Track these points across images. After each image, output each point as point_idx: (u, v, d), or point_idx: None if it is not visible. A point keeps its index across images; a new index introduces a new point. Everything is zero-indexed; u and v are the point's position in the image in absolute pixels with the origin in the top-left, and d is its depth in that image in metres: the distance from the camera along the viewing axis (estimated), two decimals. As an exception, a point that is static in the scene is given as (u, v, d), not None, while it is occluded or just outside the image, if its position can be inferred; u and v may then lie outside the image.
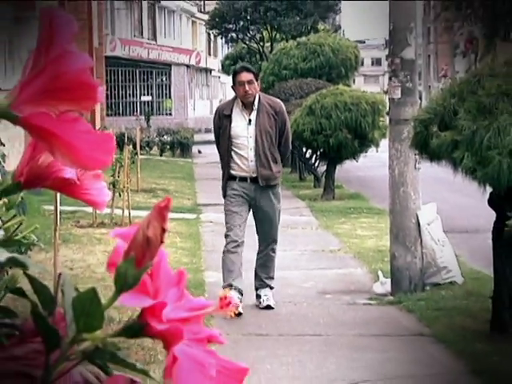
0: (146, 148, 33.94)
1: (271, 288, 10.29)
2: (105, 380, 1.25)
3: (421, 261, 11.72)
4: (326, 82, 26.32)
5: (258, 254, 10.55)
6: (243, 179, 10.26)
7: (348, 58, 30.31)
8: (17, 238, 1.47)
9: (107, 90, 47.56)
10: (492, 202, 9.45)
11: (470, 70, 20.61)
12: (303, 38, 32.06)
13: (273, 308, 10.10)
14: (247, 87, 9.89)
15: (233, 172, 10.28)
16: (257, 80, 10.14)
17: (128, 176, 17.52)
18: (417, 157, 10.61)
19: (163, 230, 1.19)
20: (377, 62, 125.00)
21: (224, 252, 10.25)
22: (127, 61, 54.99)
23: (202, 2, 70.64)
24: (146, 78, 58.91)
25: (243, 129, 10.13)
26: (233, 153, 10.19)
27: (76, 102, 1.21)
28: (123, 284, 1.19)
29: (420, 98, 12.53)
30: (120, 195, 16.59)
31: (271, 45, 38.30)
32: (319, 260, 13.14)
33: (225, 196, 10.43)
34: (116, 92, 53.86)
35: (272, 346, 9.00)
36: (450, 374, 8.38)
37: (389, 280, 11.82)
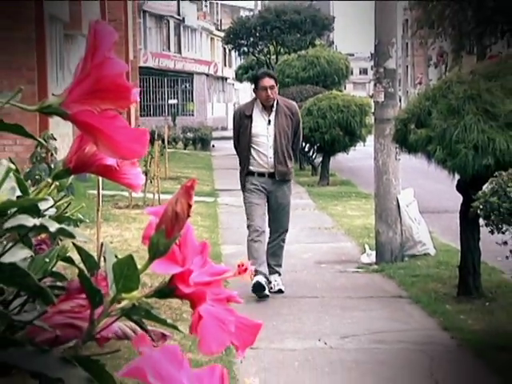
0: (173, 143, 33.81)
1: (279, 274, 9.73)
2: (140, 333, 1.25)
3: (400, 236, 11.72)
4: (322, 88, 26.26)
5: (268, 243, 9.77)
6: (261, 174, 9.57)
7: (340, 68, 30.29)
8: (66, 215, 1.46)
9: (140, 94, 47.17)
10: (459, 188, 9.44)
11: (441, 78, 20.62)
12: (303, 52, 31.98)
13: (283, 292, 9.50)
14: (269, 92, 9.32)
15: (252, 168, 9.55)
16: (276, 85, 9.55)
17: (158, 166, 17.56)
18: (397, 150, 10.58)
19: (189, 206, 1.18)
20: (364, 71, 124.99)
21: (248, 241, 9.63)
22: (157, 70, 54.94)
23: (219, 21, 70.51)
24: (172, 84, 58.85)
25: (263, 128, 9.48)
26: (252, 150, 9.50)
27: (114, 102, 1.21)
28: (155, 252, 1.19)
29: (399, 101, 12.50)
30: (151, 182, 16.63)
31: (276, 57, 38.20)
32: (316, 236, 13.13)
33: (244, 189, 9.77)
34: (148, 96, 53.76)
35: (277, 306, 9.02)
36: (424, 330, 8.38)
37: (374, 252, 11.83)
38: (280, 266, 9.77)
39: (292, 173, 9.87)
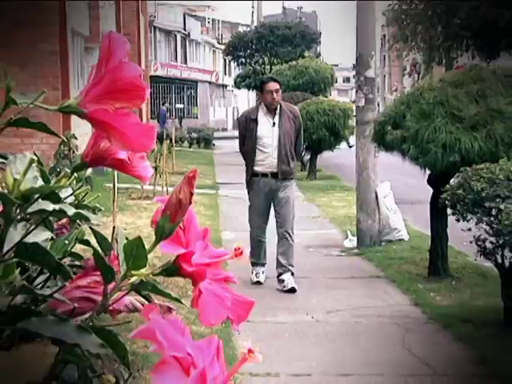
0: (179, 142, 33.71)
1: (292, 274, 9.00)
2: (149, 304, 1.25)
3: (378, 224, 11.73)
4: (310, 94, 26.19)
5: (278, 242, 9.16)
6: (265, 175, 8.97)
7: (326, 77, 30.28)
8: (84, 203, 1.46)
9: (151, 100, 47.34)
10: (430, 181, 9.44)
11: (414, 85, 20.61)
12: (293, 62, 31.97)
13: (296, 290, 8.82)
14: (274, 95, 8.83)
15: (256, 168, 8.98)
16: (280, 89, 9.05)
17: (166, 162, 17.58)
18: (376, 148, 10.58)
19: (191, 194, 1.18)
20: (347, 79, 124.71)
21: (251, 236, 9.15)
22: (165, 79, 54.90)
23: (220, 36, 70.42)
24: (179, 91, 58.82)
25: (268, 130, 8.93)
26: (258, 151, 8.95)
27: (129, 101, 1.21)
28: (161, 234, 1.19)
29: (378, 106, 12.49)
30: (160, 176, 16.64)
31: (270, 67, 38.13)
32: (305, 223, 13.11)
33: (249, 191, 9.27)
34: (157, 101, 53.60)
35: (270, 285, 9.00)
36: (399, 306, 8.39)
37: (355, 238, 11.83)
38: (292, 265, 9.04)
39: (294, 172, 9.37)
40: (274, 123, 8.96)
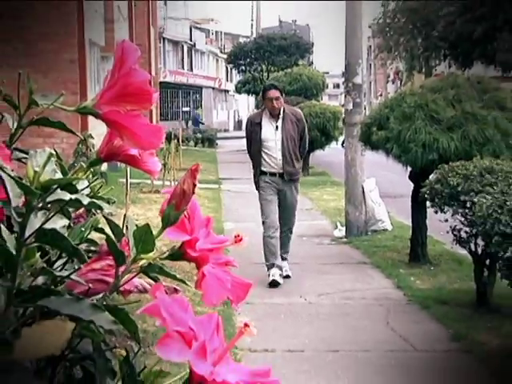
0: (186, 141, 33.67)
1: (287, 260, 8.83)
2: (155, 285, 1.25)
3: (365, 215, 11.73)
4: (304, 98, 26.11)
5: (279, 234, 8.68)
6: (273, 174, 8.52)
7: (318, 83, 30.14)
8: (99, 195, 1.46)
9: (160, 103, 47.24)
10: (411, 177, 9.45)
11: (397, 91, 20.61)
12: (288, 70, 31.81)
13: (290, 277, 8.68)
14: (274, 102, 8.38)
15: (264, 168, 8.54)
16: (282, 95, 8.53)
17: (174, 160, 17.58)
18: (362, 147, 10.58)
19: (194, 185, 1.19)
20: (337, 85, 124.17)
21: (264, 237, 8.54)
22: (173, 84, 54.74)
23: (223, 46, 70.29)
24: (185, 95, 58.67)
25: (271, 133, 8.47)
26: (263, 153, 8.51)
27: (138, 103, 1.21)
28: (167, 222, 1.19)
29: (364, 109, 12.48)
30: (168, 172, 16.66)
31: (268, 74, 38.04)
32: (298, 215, 12.95)
33: (258, 188, 8.72)
34: (166, 105, 53.47)
35: (266, 270, 9.00)
36: (382, 288, 8.41)
37: (344, 228, 11.84)
38: (287, 252, 8.91)
39: (300, 173, 8.89)
40: (276, 127, 8.53)
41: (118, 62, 1.21)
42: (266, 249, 8.53)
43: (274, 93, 8.44)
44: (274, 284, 8.29)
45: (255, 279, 7.87)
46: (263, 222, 8.62)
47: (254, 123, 8.66)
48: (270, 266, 8.47)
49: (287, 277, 8.65)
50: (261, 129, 8.53)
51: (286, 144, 8.47)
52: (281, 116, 8.53)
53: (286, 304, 7.71)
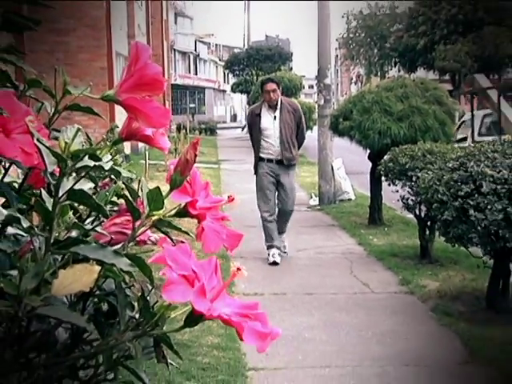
0: (192, 131, 33.46)
1: (283, 235, 7.85)
2: (162, 238, 1.23)
3: (333, 188, 11.74)
4: (285, 96, 26.04)
5: (278, 215, 7.78)
6: (270, 160, 7.60)
7: (296, 84, 29.96)
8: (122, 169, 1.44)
9: (172, 101, 46.97)
10: (369, 158, 9.43)
11: (358, 90, 20.71)
12: (273, 74, 31.71)
13: (286, 253, 7.81)
14: (271, 94, 7.52)
15: (262, 155, 7.65)
16: (279, 88, 7.69)
17: (183, 145, 17.51)
18: (331, 134, 10.56)
19: (195, 155, 1.17)
20: (311, 86, 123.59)
21: (262, 221, 7.67)
22: (182, 86, 54.45)
23: (221, 55, 69.84)
24: (191, 94, 58.32)
25: (270, 123, 7.60)
26: (262, 141, 7.62)
27: (151, 91, 1.19)
28: (174, 185, 1.17)
29: (333, 105, 12.45)
30: (178, 155, 16.58)
31: (256, 78, 37.60)
32: (281, 188, 13.11)
33: (256, 173, 7.75)
34: (176, 102, 52.98)
35: (255, 231, 8.85)
36: (347, 245, 8.42)
37: (317, 198, 11.85)
38: (284, 232, 7.90)
39: (296, 159, 7.95)
40: (274, 117, 7.66)
41: (134, 59, 1.19)
42: (265, 232, 7.70)
43: (271, 85, 7.65)
44: (274, 263, 7.48)
45: (247, 238, 7.85)
46: (259, 206, 7.71)
47: (254, 114, 7.85)
48: (270, 247, 7.66)
49: (284, 253, 7.80)
50: (260, 119, 7.72)
51: (283, 132, 7.62)
52: (278, 107, 7.68)
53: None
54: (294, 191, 7.81)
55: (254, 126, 7.82)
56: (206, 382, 4.18)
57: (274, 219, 7.69)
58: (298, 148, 7.88)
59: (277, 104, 7.68)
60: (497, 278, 5.53)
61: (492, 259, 5.38)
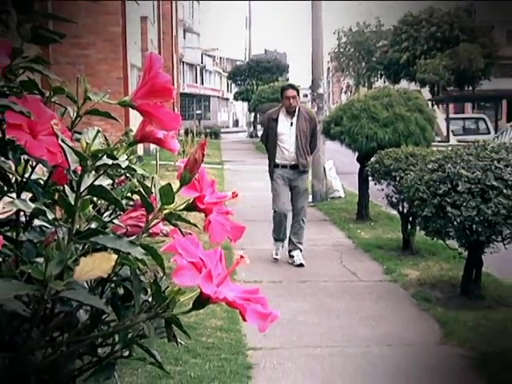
0: (198, 135, 33.40)
1: (301, 250, 7.09)
2: (173, 229, 1.23)
3: (326, 187, 11.72)
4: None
5: (292, 224, 7.15)
6: (284, 166, 6.99)
7: (292, 94, 30.03)
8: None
9: (181, 108, 46.87)
10: (358, 160, 9.42)
11: (348, 99, 20.76)
12: (271, 84, 31.70)
13: (304, 266, 6.89)
14: (291, 101, 6.90)
15: (277, 161, 7.03)
16: (298, 95, 7.08)
17: (190, 147, 17.41)
18: (324, 138, 10.54)
19: (203, 155, 1.16)
20: (305, 95, 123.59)
21: (274, 218, 7.13)
22: (190, 94, 54.41)
23: (225, 67, 69.76)
24: (198, 102, 58.30)
25: (286, 129, 6.97)
26: (278, 146, 7.01)
27: (163, 97, 1.19)
28: (183, 182, 1.17)
29: (325, 112, 12.43)
30: (186, 157, 16.54)
31: (256, 87, 37.65)
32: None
33: (271, 178, 7.15)
34: (184, 109, 52.90)
35: (255, 225, 8.88)
36: (338, 238, 8.40)
37: (311, 196, 11.79)
38: (301, 243, 7.16)
39: (309, 165, 7.43)
40: (291, 123, 7.04)
41: (148, 68, 1.19)
42: (276, 227, 7.20)
43: (291, 92, 7.00)
44: (276, 260, 7.19)
45: (247, 231, 7.85)
46: (274, 210, 7.14)
47: (271, 119, 7.20)
48: (276, 240, 7.26)
49: (301, 265, 6.95)
50: (277, 124, 7.08)
51: (299, 138, 7.00)
52: (296, 114, 7.05)
53: (269, 249, 7.68)
54: (306, 192, 7.31)
55: (270, 130, 7.19)
56: (210, 359, 4.19)
57: (285, 219, 7.16)
58: (310, 154, 7.40)
59: (295, 111, 7.07)
60: (470, 267, 5.54)
61: (466, 251, 5.39)
